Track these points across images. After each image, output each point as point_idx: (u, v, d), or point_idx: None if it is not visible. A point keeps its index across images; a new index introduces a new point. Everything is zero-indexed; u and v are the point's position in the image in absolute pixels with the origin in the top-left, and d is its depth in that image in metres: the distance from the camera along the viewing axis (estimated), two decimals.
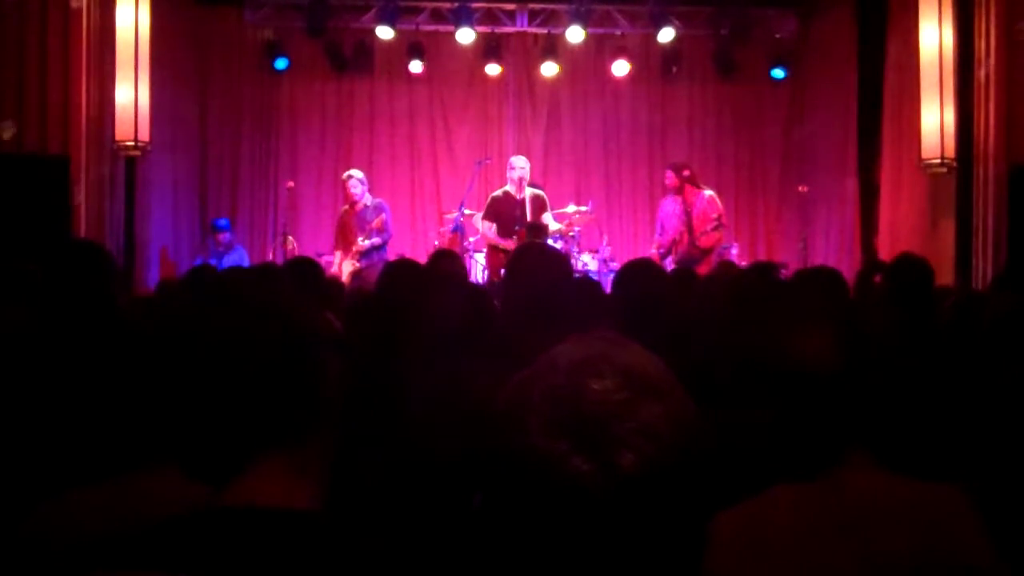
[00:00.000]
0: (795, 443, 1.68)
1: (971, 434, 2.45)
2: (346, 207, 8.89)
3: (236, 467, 1.22)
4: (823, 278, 3.99)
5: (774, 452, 1.72)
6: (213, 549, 1.11)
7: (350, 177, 8.80)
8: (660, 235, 8.67)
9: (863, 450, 1.64)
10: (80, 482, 1.73)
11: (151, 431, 1.68)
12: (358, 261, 8.51)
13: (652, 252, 8.67)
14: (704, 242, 8.26)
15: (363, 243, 8.59)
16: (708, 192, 8.52)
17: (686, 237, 8.33)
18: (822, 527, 1.56)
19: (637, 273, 3.42)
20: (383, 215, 8.84)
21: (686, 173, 8.49)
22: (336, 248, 8.92)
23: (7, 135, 7.16)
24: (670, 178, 8.51)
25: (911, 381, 2.58)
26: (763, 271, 3.49)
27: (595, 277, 8.17)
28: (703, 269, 7.64)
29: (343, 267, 8.54)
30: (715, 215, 8.24)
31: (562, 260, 3.15)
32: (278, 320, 1.28)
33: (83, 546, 1.17)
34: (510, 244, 8.31)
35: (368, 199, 8.87)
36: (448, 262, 4.57)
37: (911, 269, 4.09)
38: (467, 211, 8.82)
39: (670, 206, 8.57)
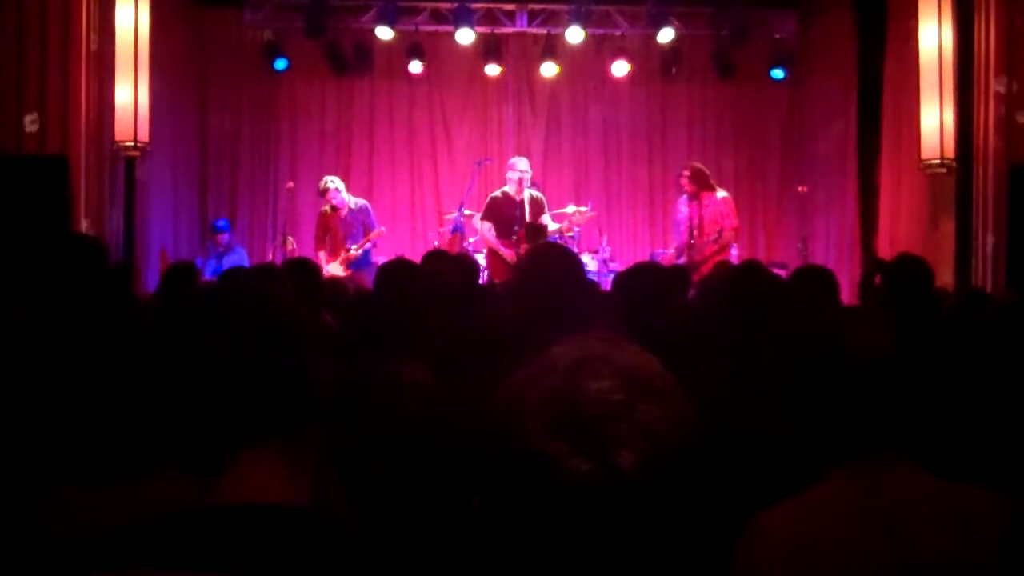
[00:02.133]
0: (813, 440, 1.68)
1: (982, 434, 2.44)
2: (327, 208, 8.90)
3: (227, 458, 1.23)
4: (818, 277, 3.99)
5: (789, 450, 1.72)
6: (206, 545, 1.12)
7: (327, 190, 8.81)
8: (677, 236, 8.61)
9: (893, 451, 1.64)
10: (80, 480, 1.73)
11: (149, 428, 1.68)
12: (348, 267, 8.51)
13: (670, 252, 8.62)
14: (705, 251, 8.14)
15: (356, 252, 8.60)
16: (721, 193, 8.39)
17: (697, 239, 8.25)
18: (867, 528, 1.57)
19: (637, 275, 3.43)
20: (381, 229, 8.84)
21: (695, 175, 8.38)
22: (318, 248, 8.90)
23: (32, 127, 7.20)
24: (686, 184, 8.37)
25: (930, 381, 2.58)
26: (752, 270, 3.50)
27: (595, 277, 8.16)
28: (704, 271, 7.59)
29: (330, 269, 8.51)
30: (718, 228, 8.12)
31: (576, 261, 3.15)
32: (270, 317, 1.29)
33: (81, 544, 1.17)
34: (508, 247, 8.31)
35: (351, 202, 8.88)
36: (451, 263, 4.57)
37: (910, 269, 4.09)
38: (467, 212, 8.82)
39: (684, 208, 8.44)
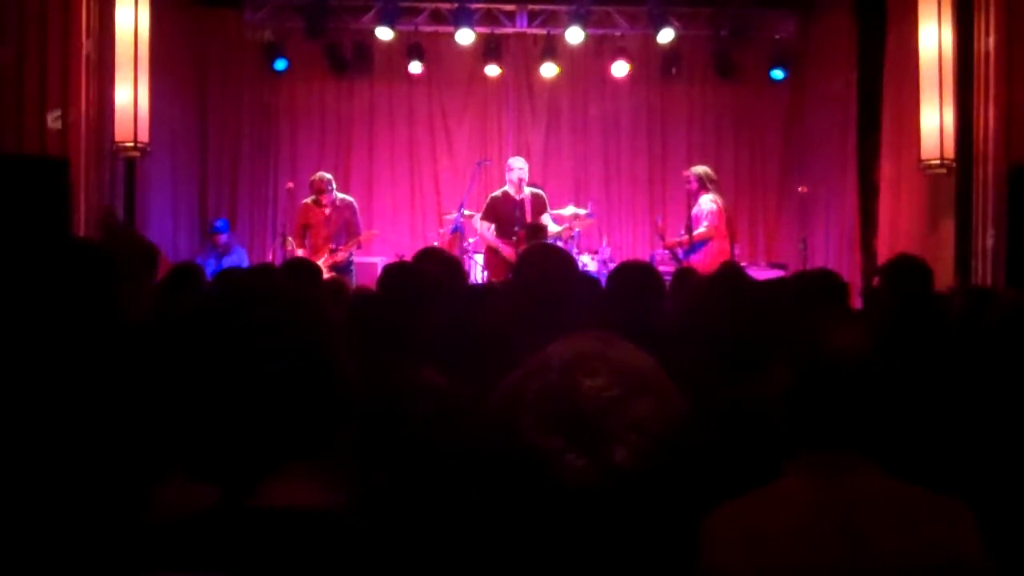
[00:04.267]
0: (793, 436, 1.69)
1: (972, 438, 2.44)
2: (309, 200, 8.55)
3: (259, 477, 1.20)
4: (823, 281, 3.98)
5: (771, 444, 1.72)
6: (235, 549, 1.11)
7: (323, 179, 8.48)
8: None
9: (868, 455, 1.65)
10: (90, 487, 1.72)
11: (161, 436, 1.66)
12: (330, 270, 8.06)
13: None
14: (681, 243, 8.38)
15: (342, 254, 8.28)
16: (707, 198, 8.44)
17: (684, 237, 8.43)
18: (819, 525, 1.58)
19: (630, 274, 3.44)
20: (374, 232, 8.57)
21: (700, 175, 8.54)
22: (299, 245, 8.47)
23: (55, 124, 7.18)
24: (691, 184, 8.55)
25: (914, 384, 2.58)
26: (730, 274, 3.49)
27: (595, 277, 8.17)
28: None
29: None
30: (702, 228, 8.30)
31: (570, 261, 3.17)
32: (295, 320, 1.26)
33: (102, 547, 1.16)
34: (508, 246, 8.31)
35: (336, 198, 8.54)
36: (436, 264, 4.56)
37: (908, 270, 4.08)
38: (467, 212, 8.81)
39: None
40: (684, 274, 5.98)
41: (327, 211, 8.48)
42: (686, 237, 8.35)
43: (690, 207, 8.56)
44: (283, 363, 1.21)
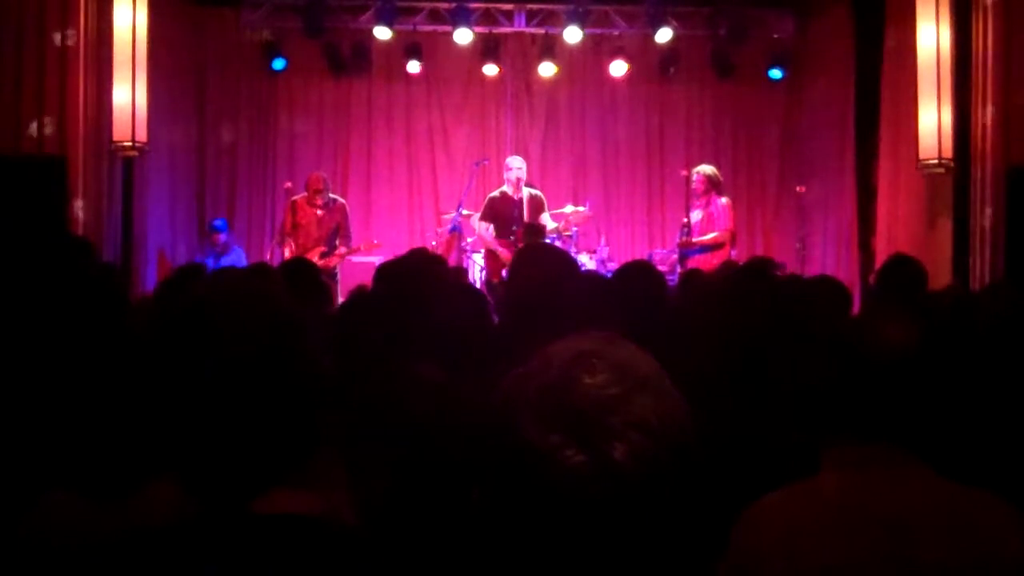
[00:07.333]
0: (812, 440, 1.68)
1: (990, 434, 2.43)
2: (300, 198, 8.46)
3: (244, 487, 1.19)
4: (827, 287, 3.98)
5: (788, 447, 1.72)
6: (224, 556, 1.10)
7: (320, 178, 8.44)
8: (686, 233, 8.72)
9: (908, 451, 1.64)
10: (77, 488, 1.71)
11: (149, 439, 1.65)
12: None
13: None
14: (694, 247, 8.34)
15: (336, 259, 8.13)
16: (723, 202, 8.54)
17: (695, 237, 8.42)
18: (867, 525, 1.56)
19: (635, 274, 3.44)
20: (377, 243, 8.45)
21: (710, 176, 8.55)
22: (283, 244, 8.34)
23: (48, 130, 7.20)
24: (700, 185, 8.53)
25: (948, 381, 2.57)
26: (760, 270, 3.49)
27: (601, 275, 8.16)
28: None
29: None
30: (726, 230, 8.31)
31: (566, 260, 3.16)
32: (268, 327, 1.24)
33: (86, 549, 1.15)
34: (506, 248, 8.31)
35: (329, 199, 8.45)
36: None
37: (902, 269, 4.09)
38: (465, 212, 8.82)
39: (696, 207, 8.63)
40: (692, 276, 6.00)
41: (320, 212, 8.43)
42: (699, 239, 8.32)
43: (689, 207, 8.55)
44: (255, 368, 1.19)
